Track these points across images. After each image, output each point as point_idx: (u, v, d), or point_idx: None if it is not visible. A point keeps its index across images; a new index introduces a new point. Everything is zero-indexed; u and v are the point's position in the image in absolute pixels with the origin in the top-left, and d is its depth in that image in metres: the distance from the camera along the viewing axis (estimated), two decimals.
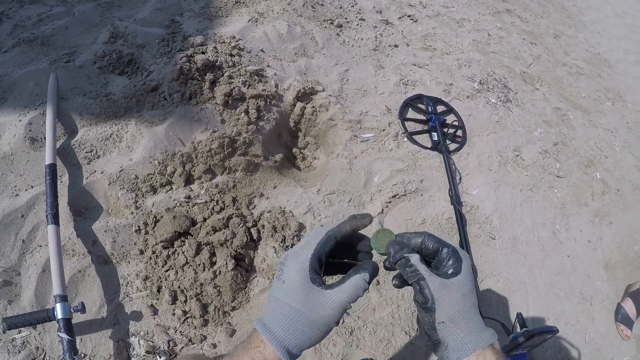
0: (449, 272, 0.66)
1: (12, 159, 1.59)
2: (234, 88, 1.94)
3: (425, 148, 2.18)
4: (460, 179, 2.14)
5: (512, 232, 2.02)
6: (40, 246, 1.47)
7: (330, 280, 0.71)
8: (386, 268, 0.72)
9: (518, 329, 1.50)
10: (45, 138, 1.63)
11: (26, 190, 1.55)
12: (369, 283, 0.66)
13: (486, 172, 2.20)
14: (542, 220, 2.13)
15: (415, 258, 0.66)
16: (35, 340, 1.34)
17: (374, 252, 0.75)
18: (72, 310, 1.31)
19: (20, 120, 1.68)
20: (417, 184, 2.02)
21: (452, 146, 2.27)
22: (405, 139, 2.21)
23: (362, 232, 0.77)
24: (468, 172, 2.18)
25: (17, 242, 1.45)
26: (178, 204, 1.66)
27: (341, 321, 1.59)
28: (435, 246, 0.68)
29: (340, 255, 0.75)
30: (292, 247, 0.73)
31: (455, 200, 1.96)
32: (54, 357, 1.33)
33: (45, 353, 1.33)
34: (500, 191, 2.14)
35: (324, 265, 0.68)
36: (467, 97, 2.59)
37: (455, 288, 0.64)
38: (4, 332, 1.29)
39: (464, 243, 1.85)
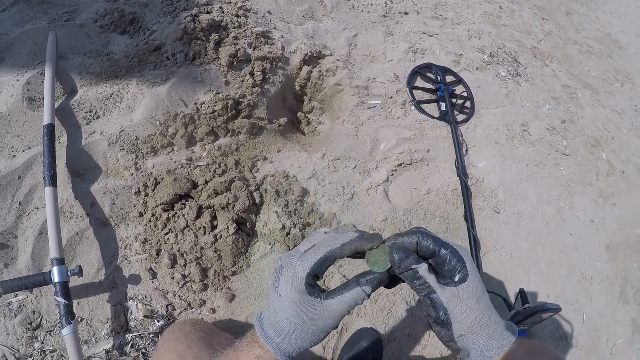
0: (456, 277, 0.62)
1: (9, 119, 1.55)
2: (239, 49, 1.89)
3: (433, 117, 2.13)
4: (466, 150, 2.09)
5: (516, 207, 1.99)
6: (37, 208, 1.44)
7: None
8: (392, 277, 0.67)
9: (520, 305, 1.48)
10: (43, 98, 1.59)
11: (23, 151, 1.52)
12: (369, 296, 0.64)
13: (493, 145, 2.16)
14: (547, 197, 2.10)
15: (423, 268, 0.61)
16: (32, 304, 1.33)
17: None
18: (69, 273, 1.29)
19: (18, 80, 1.63)
20: (424, 153, 1.98)
21: (460, 117, 2.22)
22: (413, 108, 2.16)
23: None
24: (475, 144, 2.14)
25: (13, 205, 1.43)
26: (179, 166, 1.63)
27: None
28: (432, 247, 0.63)
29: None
30: (289, 252, 0.69)
31: (462, 171, 1.92)
32: (51, 321, 1.32)
33: (42, 317, 1.32)
34: (506, 165, 2.10)
35: (320, 277, 0.66)
36: (477, 68, 2.53)
37: (467, 295, 0.61)
38: (1, 295, 1.28)
39: (469, 215, 1.82)
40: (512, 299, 1.62)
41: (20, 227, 1.41)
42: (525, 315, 1.39)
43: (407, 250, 0.63)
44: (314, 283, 0.64)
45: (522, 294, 1.51)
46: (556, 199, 2.12)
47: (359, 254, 0.67)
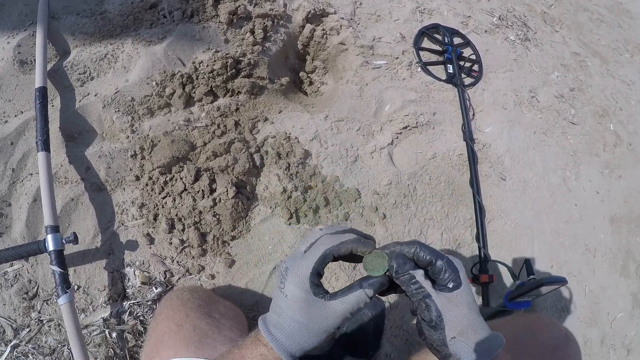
0: (450, 285, 0.65)
1: (0, 83, 1.51)
2: (239, 6, 1.81)
3: (440, 80, 2.05)
4: (473, 115, 2.03)
5: (523, 174, 1.94)
6: (31, 174, 1.41)
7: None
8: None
9: (525, 276, 1.44)
10: (35, 60, 1.53)
11: (15, 116, 1.48)
12: (371, 298, 0.66)
13: (501, 110, 2.09)
14: (554, 166, 2.05)
15: (420, 274, 0.65)
16: (28, 272, 1.31)
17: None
18: (63, 241, 1.25)
19: (8, 43, 1.58)
20: (430, 116, 1.91)
21: (467, 80, 2.14)
22: (419, 69, 2.07)
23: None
24: (482, 108, 2.07)
25: (6, 171, 1.40)
26: (177, 128, 1.57)
27: None
28: (429, 258, 0.66)
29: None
30: (291, 254, 0.72)
31: (468, 136, 1.86)
32: (47, 290, 1.31)
33: (38, 286, 1.31)
34: (513, 131, 2.04)
35: (323, 274, 0.69)
36: (485, 31, 2.43)
37: (460, 301, 0.64)
38: None
39: (474, 182, 1.77)
40: (516, 269, 1.59)
41: (14, 194, 1.38)
42: (531, 287, 1.35)
43: (405, 257, 0.66)
44: (318, 282, 0.67)
45: (527, 264, 1.47)
46: (562, 169, 2.07)
47: (353, 257, 0.70)
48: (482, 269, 1.60)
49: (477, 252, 1.68)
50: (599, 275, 1.87)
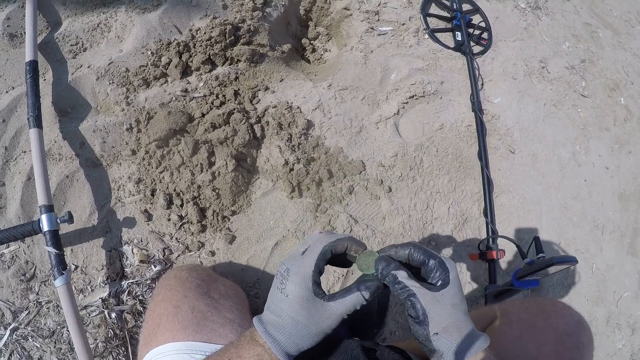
0: (438, 283, 0.67)
1: None
2: None
3: (448, 48, 1.97)
4: (482, 85, 1.95)
5: (532, 147, 1.88)
6: (25, 152, 1.38)
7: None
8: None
9: (534, 254, 1.39)
10: (25, 33, 1.49)
11: (7, 92, 1.43)
12: (368, 300, 0.68)
13: (510, 80, 2.01)
14: (563, 140, 1.98)
15: (402, 274, 0.67)
16: (25, 254, 1.29)
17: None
18: (58, 221, 1.22)
19: None
20: (437, 85, 1.84)
21: (477, 49, 2.05)
22: (427, 36, 1.99)
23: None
24: (491, 78, 1.99)
25: None
26: (174, 99, 1.52)
27: (349, 229, 1.49)
28: (422, 258, 0.69)
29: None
30: (289, 256, 0.73)
31: (477, 107, 1.78)
32: (45, 271, 1.29)
33: (35, 267, 1.29)
34: (523, 103, 1.97)
35: (322, 273, 0.71)
36: None
37: (445, 300, 0.65)
38: None
39: (483, 154, 1.70)
40: (524, 245, 1.53)
41: (7, 173, 1.35)
42: (540, 266, 1.30)
43: (390, 259, 0.69)
44: (319, 281, 0.69)
45: (537, 242, 1.42)
46: (572, 142, 2.01)
47: (347, 262, 0.75)
48: (489, 245, 1.55)
49: (484, 227, 1.63)
50: (606, 253, 1.83)
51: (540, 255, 1.38)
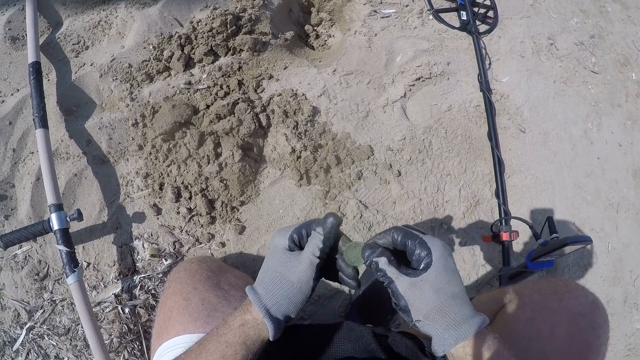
0: (421, 266, 0.64)
1: None
2: None
3: (453, 28, 1.93)
4: (490, 64, 1.91)
5: (543, 126, 1.84)
6: (32, 153, 1.40)
7: None
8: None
9: (548, 234, 1.36)
10: (26, 35, 1.50)
11: (12, 94, 1.47)
12: (325, 242, 0.69)
13: (518, 59, 1.97)
14: (574, 117, 1.94)
15: (383, 261, 0.66)
16: (37, 253, 1.31)
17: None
18: (68, 219, 1.24)
19: None
20: (444, 66, 1.80)
21: (482, 28, 2.01)
22: (431, 17, 1.95)
23: None
24: (499, 57, 1.95)
25: (7, 152, 1.39)
26: (177, 92, 1.52)
27: (359, 215, 1.47)
28: (403, 240, 0.67)
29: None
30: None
31: (485, 86, 1.75)
32: (58, 269, 1.31)
33: (48, 266, 1.31)
34: (532, 81, 1.92)
35: (303, 243, 0.72)
36: None
37: (426, 285, 0.63)
38: (5, 249, 1.27)
39: (493, 134, 1.67)
40: (538, 226, 1.50)
41: (17, 175, 1.38)
42: (554, 247, 1.27)
43: (375, 245, 0.68)
44: (297, 241, 0.72)
45: (550, 222, 1.38)
46: (584, 120, 1.96)
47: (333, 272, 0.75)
48: (502, 227, 1.52)
49: (496, 209, 1.60)
50: (622, 231, 1.79)
51: (554, 235, 1.35)
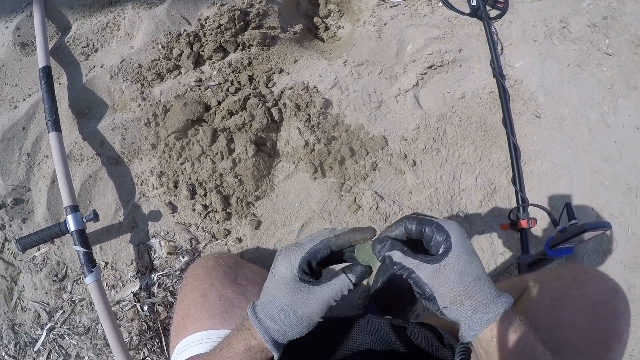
0: (440, 252, 0.62)
1: (4, 70, 1.51)
2: None
3: (463, 14, 1.90)
4: (502, 49, 1.88)
5: (558, 111, 1.81)
6: (47, 156, 1.42)
7: None
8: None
9: (566, 221, 1.34)
10: (36, 41, 1.52)
11: (24, 100, 1.49)
12: (355, 285, 0.65)
13: (531, 43, 1.93)
14: (590, 101, 1.91)
15: (397, 254, 0.63)
16: (55, 255, 1.33)
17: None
18: (84, 220, 1.25)
19: (7, 28, 1.57)
20: (455, 53, 1.78)
21: (493, 13, 1.97)
22: (440, 4, 1.92)
23: None
24: (511, 42, 1.92)
25: (22, 157, 1.41)
26: (188, 89, 1.52)
27: (375, 206, 1.46)
28: (418, 228, 0.64)
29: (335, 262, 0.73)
30: (290, 244, 0.71)
31: (498, 72, 1.72)
32: (76, 270, 1.33)
33: (66, 267, 1.33)
34: (546, 65, 1.89)
35: (315, 270, 0.68)
36: None
37: (449, 269, 0.60)
38: (23, 252, 1.28)
39: (508, 121, 1.65)
40: (556, 213, 1.48)
41: (32, 179, 1.40)
42: (573, 233, 1.25)
43: (385, 239, 0.65)
44: (307, 270, 0.66)
45: (568, 208, 1.36)
46: (600, 103, 1.93)
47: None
48: (520, 214, 1.50)
49: (514, 196, 1.58)
50: None
51: (573, 221, 1.32)
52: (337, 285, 0.64)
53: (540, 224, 1.55)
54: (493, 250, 1.52)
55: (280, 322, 0.65)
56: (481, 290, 0.61)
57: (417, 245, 0.66)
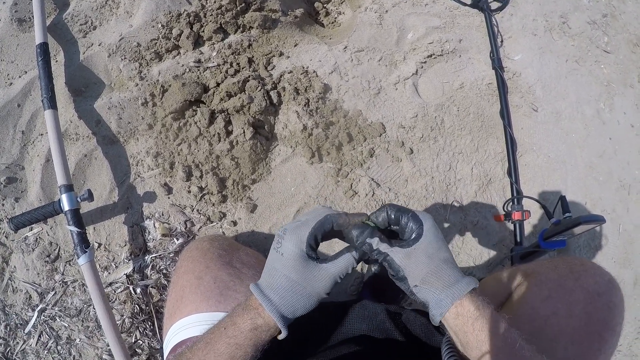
0: (412, 237, 0.68)
1: (0, 46, 1.48)
2: None
3: (465, 4, 1.89)
4: (502, 41, 1.88)
5: (555, 105, 1.81)
6: (42, 134, 1.40)
7: None
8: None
9: (560, 214, 1.34)
10: (33, 17, 1.49)
11: (20, 77, 1.46)
12: (358, 262, 0.69)
13: (530, 36, 1.93)
14: (587, 97, 1.91)
15: (375, 241, 0.68)
16: (48, 235, 1.32)
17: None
18: (78, 199, 1.22)
19: (4, 3, 1.54)
20: (456, 43, 1.77)
21: (494, 5, 1.95)
22: None
23: None
24: (511, 35, 1.92)
25: (16, 135, 1.39)
26: (187, 70, 1.50)
27: (371, 193, 1.46)
28: (397, 215, 0.70)
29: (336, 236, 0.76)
30: (290, 222, 0.73)
31: (497, 64, 1.71)
32: (69, 251, 1.32)
33: (59, 247, 1.32)
34: (544, 59, 1.89)
35: (319, 244, 0.71)
36: None
37: (420, 252, 0.67)
38: (15, 232, 1.25)
39: (505, 113, 1.64)
40: (550, 206, 1.48)
41: (26, 157, 1.38)
42: (567, 226, 1.25)
43: (364, 226, 0.70)
44: (314, 245, 0.69)
45: (563, 201, 1.37)
46: (596, 100, 1.93)
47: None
48: (514, 206, 1.50)
49: (509, 188, 1.58)
50: (633, 213, 1.77)
51: (567, 215, 1.33)
52: (343, 262, 0.68)
53: (533, 217, 1.56)
54: (487, 241, 1.52)
55: (290, 299, 0.67)
56: (448, 271, 0.66)
57: (393, 236, 0.72)
